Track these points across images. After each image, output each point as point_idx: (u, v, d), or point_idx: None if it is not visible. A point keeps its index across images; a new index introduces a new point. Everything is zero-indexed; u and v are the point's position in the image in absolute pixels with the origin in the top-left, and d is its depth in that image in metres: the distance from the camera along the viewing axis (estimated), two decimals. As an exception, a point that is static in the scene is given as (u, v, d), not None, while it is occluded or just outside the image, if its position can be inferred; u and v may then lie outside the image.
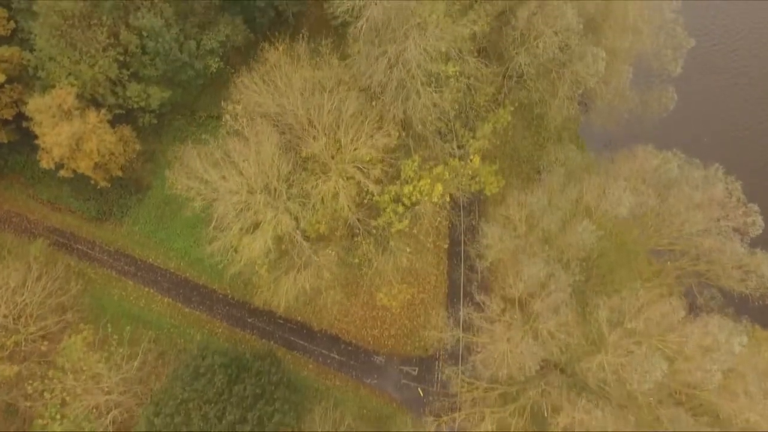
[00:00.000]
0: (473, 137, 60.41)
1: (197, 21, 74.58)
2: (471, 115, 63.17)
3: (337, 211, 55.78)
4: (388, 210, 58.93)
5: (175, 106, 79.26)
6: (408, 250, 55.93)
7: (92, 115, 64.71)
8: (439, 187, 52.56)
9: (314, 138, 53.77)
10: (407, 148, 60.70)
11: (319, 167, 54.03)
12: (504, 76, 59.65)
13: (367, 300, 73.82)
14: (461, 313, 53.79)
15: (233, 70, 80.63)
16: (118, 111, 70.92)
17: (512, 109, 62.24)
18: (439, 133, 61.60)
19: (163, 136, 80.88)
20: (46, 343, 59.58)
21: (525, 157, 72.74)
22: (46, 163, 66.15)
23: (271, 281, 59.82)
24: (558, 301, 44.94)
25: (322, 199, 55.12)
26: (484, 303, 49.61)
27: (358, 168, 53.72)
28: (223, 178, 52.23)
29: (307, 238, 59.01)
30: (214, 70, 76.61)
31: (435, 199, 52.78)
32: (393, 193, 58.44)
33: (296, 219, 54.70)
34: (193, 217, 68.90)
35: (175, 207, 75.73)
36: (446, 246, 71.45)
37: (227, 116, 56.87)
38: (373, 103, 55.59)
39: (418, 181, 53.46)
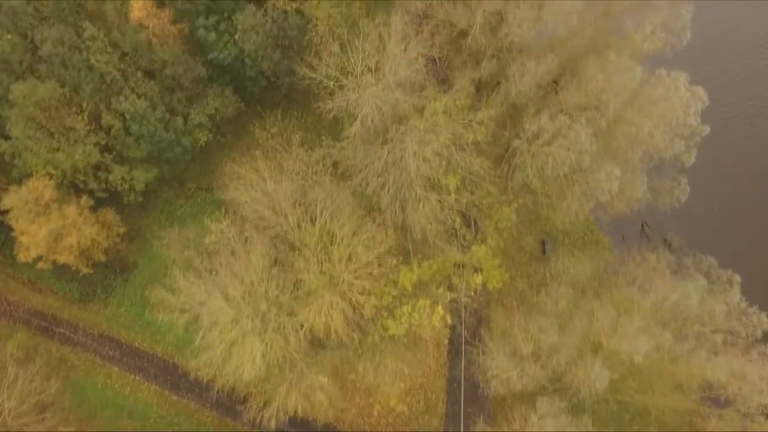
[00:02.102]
0: (475, 239, 57.00)
1: (184, 95, 70.77)
2: (473, 212, 59.73)
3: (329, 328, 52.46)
4: (386, 318, 55.74)
5: (162, 179, 75.57)
6: (406, 371, 52.68)
7: (71, 210, 61.03)
8: (440, 310, 49.25)
9: (306, 259, 50.32)
10: (405, 251, 57.32)
11: (311, 291, 50.55)
12: (509, 178, 56.19)
13: (364, 389, 70.67)
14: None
15: (223, 139, 77.47)
16: (101, 195, 67.26)
17: (516, 206, 58.75)
18: (440, 234, 58.16)
19: (150, 210, 77.07)
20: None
21: (529, 250, 69.37)
22: (23, 257, 62.45)
23: (261, 394, 56.67)
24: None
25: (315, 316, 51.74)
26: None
27: (352, 289, 50.27)
28: (209, 303, 48.72)
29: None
30: (203, 144, 72.86)
31: (435, 323, 49.40)
32: (390, 297, 55.24)
33: (286, 339, 51.27)
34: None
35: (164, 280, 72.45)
36: (446, 341, 68.09)
37: (212, 235, 53.15)
38: (369, 225, 52.02)
39: (417, 301, 50.04)
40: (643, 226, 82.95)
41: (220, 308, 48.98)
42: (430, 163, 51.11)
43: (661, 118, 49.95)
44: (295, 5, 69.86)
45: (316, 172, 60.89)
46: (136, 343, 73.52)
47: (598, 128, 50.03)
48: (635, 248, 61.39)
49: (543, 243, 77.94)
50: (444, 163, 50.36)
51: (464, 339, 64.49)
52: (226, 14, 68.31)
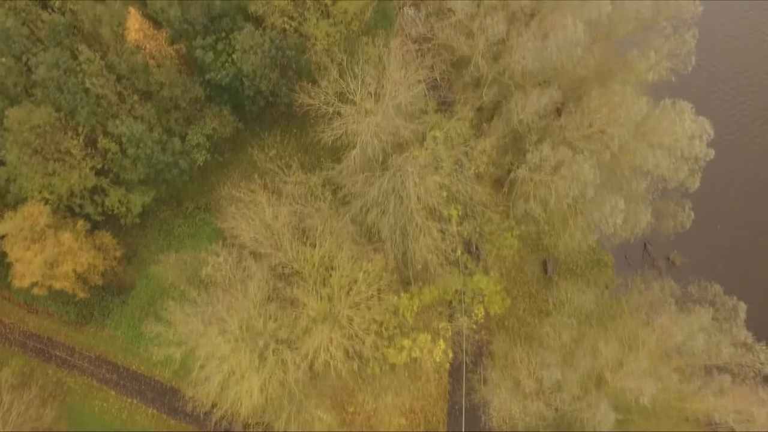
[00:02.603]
0: (477, 267, 56.17)
1: (182, 116, 69.80)
2: (474, 237, 58.83)
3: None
4: (386, 347, 54.93)
5: (160, 200, 74.64)
6: (407, 404, 51.86)
7: (67, 236, 60.05)
8: (442, 344, 48.43)
9: (305, 291, 49.47)
10: (406, 279, 56.48)
11: (310, 323, 49.71)
12: (511, 205, 55.32)
13: (364, 415, 69.83)
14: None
15: (221, 158, 76.54)
16: (97, 218, 66.36)
17: (518, 233, 57.89)
18: (442, 263, 57.28)
19: (148, 230, 76.18)
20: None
21: (531, 271, 68.50)
22: (18, 284, 61.56)
23: (260, 424, 55.87)
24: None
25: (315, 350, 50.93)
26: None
27: (352, 323, 49.45)
28: (206, 336, 47.89)
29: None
30: (201, 164, 71.91)
31: (437, 358, 48.56)
32: (391, 328, 54.43)
33: (284, 372, 50.46)
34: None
35: (160, 309, 71.65)
36: (447, 365, 67.11)
37: (209, 268, 52.25)
38: (369, 255, 51.17)
39: (418, 335, 49.21)
40: (645, 245, 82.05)
41: (217, 343, 48.14)
42: (431, 194, 50.26)
43: (666, 149, 49.06)
44: (293, 24, 68.95)
45: (316, 197, 59.94)
46: (134, 367, 72.62)
47: (602, 158, 49.20)
48: (638, 273, 60.52)
49: (545, 262, 77.12)
50: (445, 194, 49.52)
51: (465, 365, 63.64)
52: (224, 34, 67.43)
